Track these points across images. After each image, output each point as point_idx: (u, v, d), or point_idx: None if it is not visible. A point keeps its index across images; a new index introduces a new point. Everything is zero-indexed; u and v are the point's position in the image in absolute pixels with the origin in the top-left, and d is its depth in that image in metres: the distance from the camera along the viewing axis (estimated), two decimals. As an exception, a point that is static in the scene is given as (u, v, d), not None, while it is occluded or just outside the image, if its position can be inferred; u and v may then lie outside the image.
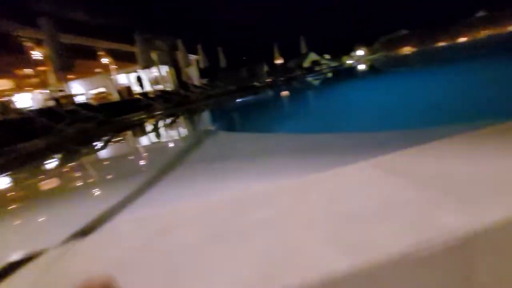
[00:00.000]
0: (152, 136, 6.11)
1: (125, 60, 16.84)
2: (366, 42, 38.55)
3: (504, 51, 11.94)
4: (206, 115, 9.02)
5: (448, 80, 6.08)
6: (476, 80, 5.01)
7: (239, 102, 11.84)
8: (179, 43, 16.70)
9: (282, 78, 22.97)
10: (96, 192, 2.50)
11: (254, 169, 1.99)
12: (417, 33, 28.97)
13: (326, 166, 0.90)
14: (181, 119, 8.68)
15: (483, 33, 25.78)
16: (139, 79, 16.58)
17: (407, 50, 29.53)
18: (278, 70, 26.40)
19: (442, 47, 26.74)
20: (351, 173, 0.85)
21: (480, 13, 31.06)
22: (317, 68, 29.10)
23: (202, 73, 21.90)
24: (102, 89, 17.57)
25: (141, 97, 13.54)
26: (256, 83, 21.92)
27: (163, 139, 5.26)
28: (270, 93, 14.42)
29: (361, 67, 26.15)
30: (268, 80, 25.21)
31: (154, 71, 17.06)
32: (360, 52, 35.66)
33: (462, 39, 26.87)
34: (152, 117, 9.96)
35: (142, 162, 3.56)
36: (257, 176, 1.82)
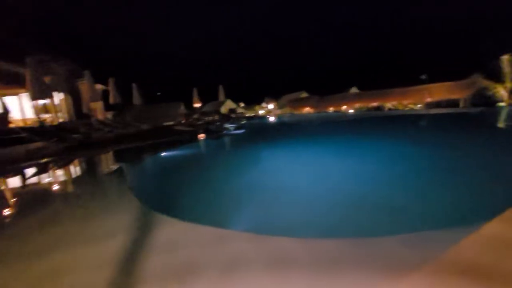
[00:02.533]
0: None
1: (6, 82, 13.32)
2: (274, 96, 44.26)
3: (370, 119, 16.92)
4: (123, 171, 6.02)
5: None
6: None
7: (168, 155, 8.32)
8: (86, 73, 14.58)
9: (200, 122, 22.93)
10: None
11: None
12: (314, 97, 35.41)
13: None
14: (85, 174, 6.75)
15: (357, 105, 33.39)
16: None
17: (306, 110, 35.29)
18: (196, 113, 26.40)
19: (332, 111, 33.24)
20: None
21: (353, 89, 41.20)
22: (233, 115, 30.72)
23: (110, 107, 19.45)
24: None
25: (20, 130, 10.53)
26: (173, 124, 20.97)
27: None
28: (207, 143, 11.99)
29: (272, 119, 29.29)
30: (185, 121, 24.67)
31: (44, 99, 13.98)
32: (270, 106, 40.35)
33: (343, 107, 34.13)
34: (32, 158, 7.56)
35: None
36: None
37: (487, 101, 18.76)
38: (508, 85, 17.29)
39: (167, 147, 10.09)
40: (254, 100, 45.72)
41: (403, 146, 7.56)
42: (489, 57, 17.60)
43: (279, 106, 41.08)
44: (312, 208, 3.19)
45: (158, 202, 3.68)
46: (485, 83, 18.77)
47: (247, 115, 36.21)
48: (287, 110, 38.09)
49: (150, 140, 11.56)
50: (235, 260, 1.89)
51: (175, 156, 8.44)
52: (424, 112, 21.30)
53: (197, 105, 25.93)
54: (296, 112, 36.33)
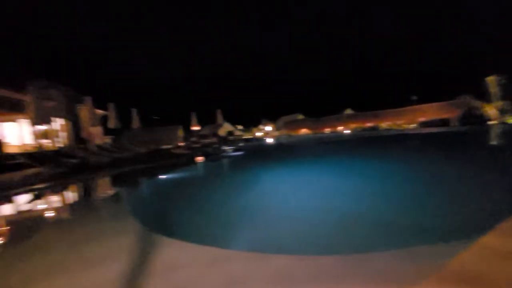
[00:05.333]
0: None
1: (6, 108, 13.52)
2: (271, 118, 45.00)
3: (369, 139, 17.18)
4: (121, 195, 6.09)
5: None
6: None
7: (167, 178, 8.32)
8: (87, 98, 14.92)
9: (197, 145, 23.07)
10: None
11: None
12: (310, 119, 36.08)
13: None
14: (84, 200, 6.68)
15: (352, 126, 33.95)
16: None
17: (303, 131, 35.77)
18: (194, 136, 26.61)
19: (328, 132, 33.69)
20: None
21: (348, 111, 41.98)
22: (231, 138, 31.00)
23: (109, 131, 19.62)
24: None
25: (17, 155, 10.54)
26: (171, 147, 21.05)
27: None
28: (204, 166, 12.14)
29: (270, 140, 29.56)
30: (182, 145, 24.77)
31: (43, 124, 14.09)
32: (268, 128, 40.91)
33: (339, 128, 34.66)
34: (29, 184, 7.48)
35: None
36: None
37: (477, 120, 19.28)
38: (497, 104, 17.88)
39: (166, 170, 10.08)
40: (251, 123, 46.40)
41: (400, 164, 7.67)
42: (474, 78, 18.41)
43: (276, 128, 41.60)
44: (312, 226, 3.21)
45: (158, 224, 3.67)
46: (475, 103, 19.39)
47: (244, 137, 36.54)
48: (284, 132, 38.57)
49: (147, 163, 11.59)
50: (237, 279, 1.89)
51: (174, 179, 8.44)
52: (418, 131, 21.69)
53: (195, 128, 26.22)
54: (293, 133, 36.78)
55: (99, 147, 15.51)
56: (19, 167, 9.47)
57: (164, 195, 5.99)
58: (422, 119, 25.29)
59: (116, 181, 8.21)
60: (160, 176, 8.77)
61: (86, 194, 6.76)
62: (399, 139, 17.23)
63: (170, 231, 3.19)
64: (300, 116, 41.06)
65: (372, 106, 35.34)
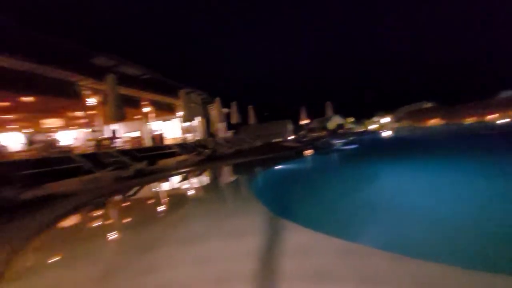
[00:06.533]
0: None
1: (164, 110, 18.00)
2: (387, 109, 39.58)
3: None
4: (245, 180, 6.95)
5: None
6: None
7: (282, 168, 9.00)
8: (217, 99, 17.86)
9: (306, 139, 23.32)
10: None
11: None
12: (443, 107, 29.35)
13: None
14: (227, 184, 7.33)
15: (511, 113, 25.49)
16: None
17: (432, 122, 29.62)
18: (303, 129, 27.06)
19: (470, 122, 26.58)
20: None
21: (506, 93, 31.17)
22: (340, 131, 29.53)
23: (231, 127, 22.85)
24: (137, 134, 18.53)
25: (172, 146, 13.96)
26: (281, 141, 22.27)
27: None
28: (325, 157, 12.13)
29: (387, 134, 26.19)
30: (292, 138, 25.65)
31: (189, 122, 17.89)
32: (385, 119, 36.33)
33: (491, 117, 26.71)
34: (180, 167, 9.66)
35: None
36: None
37: None
38: None
39: (280, 161, 10.72)
40: (364, 115, 42.48)
41: None
42: None
43: (396, 119, 36.34)
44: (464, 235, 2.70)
45: (281, 209, 3.99)
46: None
47: (356, 130, 33.93)
48: (405, 123, 33.16)
49: (263, 155, 12.73)
50: (370, 277, 1.78)
51: (290, 169, 8.98)
52: None
53: (304, 121, 26.57)
54: (418, 125, 31.04)
55: (225, 139, 18.34)
56: (173, 154, 12.47)
57: (285, 183, 6.49)
58: None
59: (243, 168, 9.36)
60: (277, 167, 9.44)
61: (221, 177, 8.19)
62: None
63: (293, 217, 3.24)
64: (428, 104, 33.99)
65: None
